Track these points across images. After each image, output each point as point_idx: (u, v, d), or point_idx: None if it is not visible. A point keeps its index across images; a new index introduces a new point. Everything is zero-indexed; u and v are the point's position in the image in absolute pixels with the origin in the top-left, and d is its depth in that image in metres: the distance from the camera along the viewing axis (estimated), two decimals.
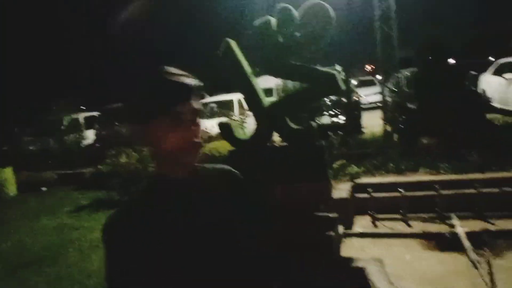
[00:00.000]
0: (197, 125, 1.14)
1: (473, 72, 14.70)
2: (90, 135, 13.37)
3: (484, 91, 11.41)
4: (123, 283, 1.08)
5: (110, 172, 7.78)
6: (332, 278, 3.19)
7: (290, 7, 4.88)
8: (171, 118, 1.09)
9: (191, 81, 1.15)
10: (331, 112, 9.24)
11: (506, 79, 10.10)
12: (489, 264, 3.45)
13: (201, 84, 1.16)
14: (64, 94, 16.48)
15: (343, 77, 8.47)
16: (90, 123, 14.26)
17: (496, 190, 4.87)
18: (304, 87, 4.98)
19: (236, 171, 1.33)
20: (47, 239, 6.00)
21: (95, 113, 15.27)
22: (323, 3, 4.80)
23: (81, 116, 14.36)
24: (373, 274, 3.19)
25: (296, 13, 4.81)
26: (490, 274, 3.37)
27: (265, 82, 8.85)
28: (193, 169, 1.18)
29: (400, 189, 5.05)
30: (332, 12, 4.71)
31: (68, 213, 7.36)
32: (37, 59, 26.80)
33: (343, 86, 4.78)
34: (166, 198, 1.13)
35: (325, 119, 8.75)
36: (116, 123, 12.22)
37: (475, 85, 12.31)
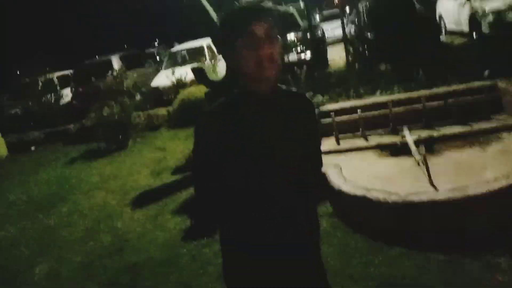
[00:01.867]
0: (273, 43, 1.25)
1: None
2: (66, 93, 13.57)
3: (440, 15, 11.99)
4: (204, 159, 1.36)
5: (95, 125, 8.26)
6: None
7: None
8: (247, 38, 1.23)
9: (261, 3, 1.32)
10: (297, 48, 9.74)
11: (458, 1, 10.65)
12: (426, 161, 4.22)
13: (273, 7, 1.44)
14: (31, 56, 16.35)
15: (306, 13, 8.91)
16: (64, 82, 14.40)
17: (440, 102, 5.61)
18: None
19: (308, 97, 1.53)
20: (50, 187, 6.63)
21: (68, 72, 15.34)
22: None
23: (55, 76, 14.44)
24: (331, 175, 3.94)
25: None
26: (427, 168, 4.15)
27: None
28: (274, 87, 1.32)
29: (359, 111, 5.76)
30: None
31: (63, 165, 7.94)
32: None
33: (301, 23, 5.32)
34: (247, 106, 1.31)
35: (292, 56, 9.26)
36: (93, 78, 12.45)
37: (434, 9, 12.84)
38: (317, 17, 19.97)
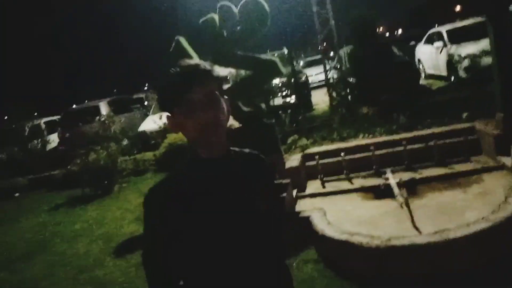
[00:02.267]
0: (215, 106, 1.20)
1: (412, 43, 15.82)
2: (53, 139, 13.54)
3: (419, 60, 12.49)
4: (155, 240, 1.24)
5: (81, 171, 8.21)
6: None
7: (230, 4, 5.55)
8: (185, 105, 1.18)
9: (197, 66, 1.23)
10: (283, 93, 9.99)
11: (435, 47, 11.15)
12: (407, 203, 4.27)
13: (210, 68, 1.24)
14: (19, 102, 16.43)
15: (289, 60, 9.22)
16: (51, 127, 14.41)
17: (421, 145, 5.74)
18: (250, 74, 5.65)
19: (262, 156, 1.45)
20: (32, 235, 6.47)
21: (56, 117, 15.38)
22: (258, 0, 5.49)
23: (42, 122, 14.46)
24: (315, 219, 3.96)
25: (235, 10, 5.47)
26: (409, 211, 4.20)
27: (219, 71, 9.43)
28: (225, 151, 1.27)
29: (342, 154, 5.86)
30: (266, 6, 5.41)
31: (46, 212, 7.80)
32: None
33: (283, 70, 5.51)
34: (198, 174, 1.23)
35: (278, 100, 9.47)
36: (80, 124, 12.49)
37: (414, 54, 13.38)
38: (301, 62, 20.61)
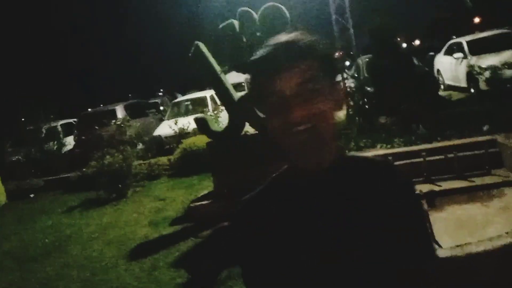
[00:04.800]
0: (304, 104, 0.85)
1: (431, 53, 15.68)
2: (69, 141, 13.70)
3: (438, 70, 12.34)
4: (246, 261, 0.96)
5: (96, 173, 8.25)
6: None
7: (250, 10, 5.55)
8: (270, 98, 0.87)
9: (295, 38, 0.90)
10: None
11: (455, 58, 11.02)
12: (428, 217, 4.17)
13: (313, 41, 0.90)
14: (36, 104, 16.70)
15: None
16: (67, 129, 14.59)
17: (441, 157, 5.63)
18: None
19: (395, 165, 1.05)
20: (47, 236, 6.51)
21: (72, 120, 15.57)
22: (278, 5, 5.49)
23: (59, 124, 14.65)
24: None
25: (255, 15, 5.48)
26: (430, 225, 4.09)
27: (235, 77, 9.46)
28: (333, 159, 0.91)
29: None
30: (286, 12, 5.40)
31: (61, 213, 7.85)
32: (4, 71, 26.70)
33: None
34: (296, 189, 0.92)
35: None
36: (97, 127, 12.60)
37: (432, 65, 13.25)
38: None
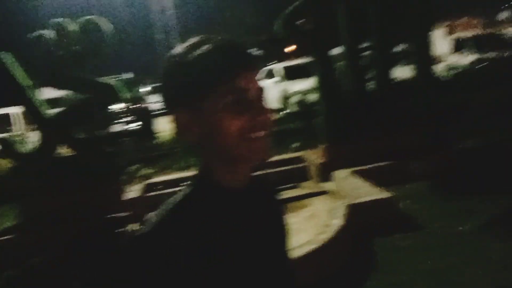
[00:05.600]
0: (267, 109, 0.82)
1: None
2: None
3: None
4: None
5: None
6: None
7: (65, 21, 5.12)
8: (233, 96, 0.77)
9: (243, 45, 0.83)
10: (125, 119, 9.57)
11: (272, 82, 12.26)
12: None
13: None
14: None
15: (131, 85, 8.93)
16: None
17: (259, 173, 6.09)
18: (86, 97, 5.26)
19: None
20: None
21: None
22: (99, 18, 5.21)
23: None
24: None
25: (72, 28, 5.07)
26: None
27: (53, 92, 8.56)
28: (251, 176, 0.87)
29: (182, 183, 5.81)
30: (107, 26, 5.15)
31: None
32: None
33: (123, 95, 5.27)
34: (217, 212, 0.82)
35: (119, 127, 9.03)
36: None
37: None
38: (144, 89, 20.22)
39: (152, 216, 0.79)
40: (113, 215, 4.75)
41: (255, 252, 0.84)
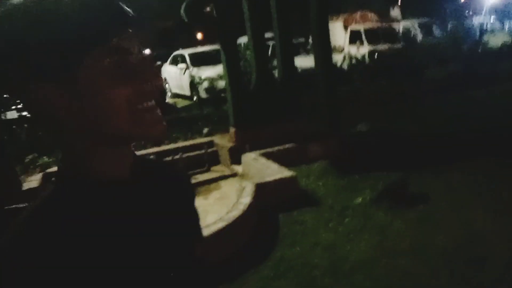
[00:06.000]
0: (154, 75, 0.67)
1: (159, 63, 16.61)
2: None
3: (165, 79, 13.26)
4: None
5: None
6: None
7: None
8: (113, 58, 0.62)
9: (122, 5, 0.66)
10: (19, 106, 8.81)
11: (179, 68, 12.14)
12: None
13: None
14: None
15: None
16: None
17: (168, 158, 6.09)
18: None
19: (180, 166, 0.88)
20: None
21: None
22: None
23: None
24: None
25: None
26: None
27: None
28: (133, 163, 0.73)
29: None
30: None
31: None
32: None
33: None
34: (97, 213, 0.66)
35: (12, 114, 8.32)
36: None
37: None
38: None
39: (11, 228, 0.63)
40: (11, 206, 4.48)
41: (149, 243, 0.70)
